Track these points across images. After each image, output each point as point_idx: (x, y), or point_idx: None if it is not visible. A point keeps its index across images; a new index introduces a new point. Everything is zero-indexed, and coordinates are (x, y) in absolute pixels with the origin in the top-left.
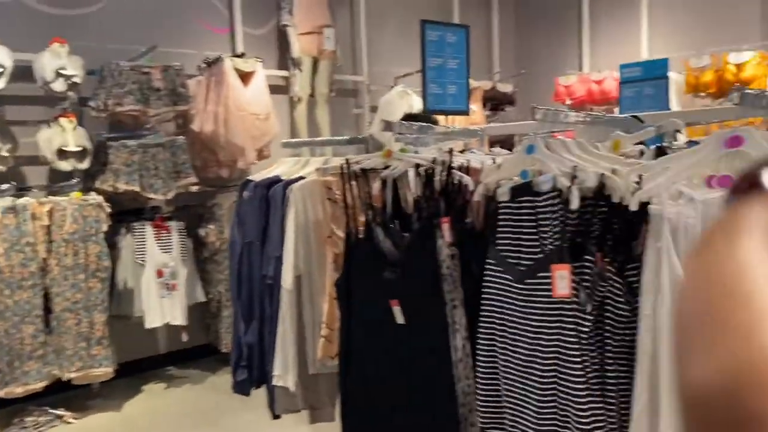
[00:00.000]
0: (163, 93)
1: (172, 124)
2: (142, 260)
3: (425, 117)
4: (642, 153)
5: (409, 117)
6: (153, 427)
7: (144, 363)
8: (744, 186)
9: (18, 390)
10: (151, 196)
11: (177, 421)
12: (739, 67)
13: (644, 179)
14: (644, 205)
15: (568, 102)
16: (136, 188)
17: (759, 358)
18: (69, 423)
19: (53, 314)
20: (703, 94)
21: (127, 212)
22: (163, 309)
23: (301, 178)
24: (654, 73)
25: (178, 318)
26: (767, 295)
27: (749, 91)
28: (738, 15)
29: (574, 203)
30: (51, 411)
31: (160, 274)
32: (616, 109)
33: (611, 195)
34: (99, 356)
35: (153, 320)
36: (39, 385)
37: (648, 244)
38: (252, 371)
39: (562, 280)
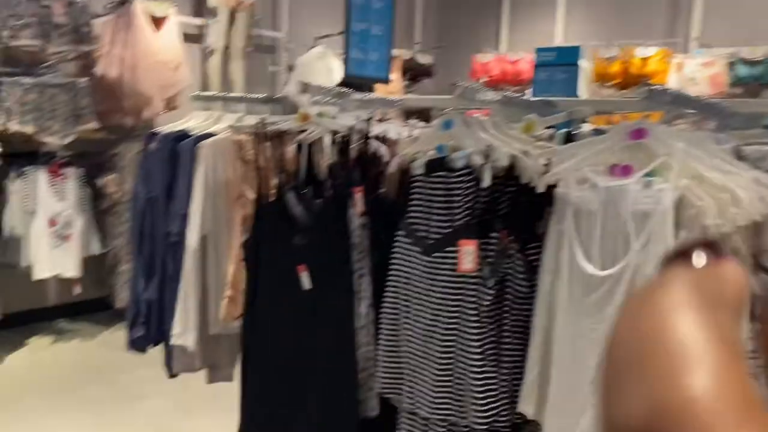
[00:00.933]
0: (65, 30)
1: (73, 65)
2: (33, 208)
3: (362, 84)
4: (551, 137)
5: (345, 84)
6: (37, 381)
7: (31, 315)
8: (675, 257)
9: None
10: (47, 139)
11: (65, 376)
12: (644, 61)
13: (553, 163)
14: (551, 188)
15: (483, 79)
16: (30, 130)
17: (678, 398)
18: None
19: None
20: (608, 83)
21: (18, 155)
22: (54, 260)
23: (212, 134)
24: (567, 59)
25: (71, 270)
26: (683, 341)
27: (656, 86)
28: (647, 12)
29: (486, 181)
30: None
31: (52, 223)
32: (528, 91)
33: (521, 175)
34: None
35: (41, 271)
36: None
37: (551, 225)
38: (149, 328)
39: (467, 255)
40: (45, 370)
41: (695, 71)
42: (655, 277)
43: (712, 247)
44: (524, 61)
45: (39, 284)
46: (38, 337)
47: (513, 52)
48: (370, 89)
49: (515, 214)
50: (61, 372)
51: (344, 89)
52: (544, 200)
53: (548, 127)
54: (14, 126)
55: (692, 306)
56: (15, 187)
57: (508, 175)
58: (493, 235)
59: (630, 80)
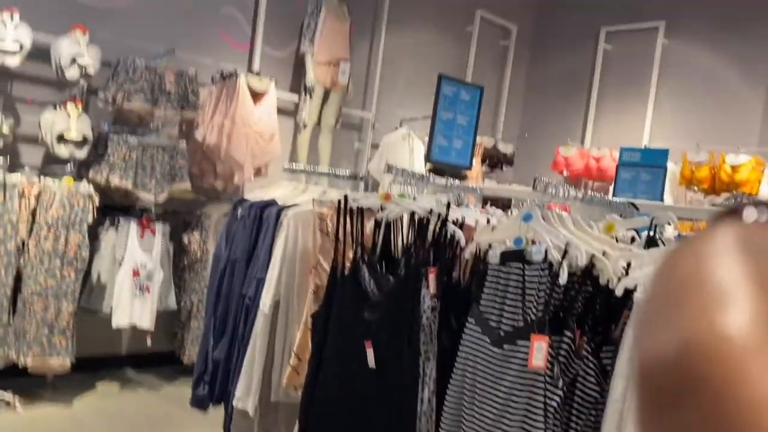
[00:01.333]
0: (173, 96)
1: (176, 128)
2: (121, 257)
3: (454, 172)
4: (633, 239)
5: (436, 169)
6: (100, 427)
7: (102, 361)
8: (724, 216)
9: None
10: (142, 195)
11: (125, 426)
12: (735, 168)
13: (632, 266)
14: (630, 292)
15: (565, 173)
16: (129, 185)
17: (707, 331)
18: (15, 409)
19: (21, 296)
20: (696, 188)
21: (114, 207)
22: (132, 309)
23: (297, 205)
24: (653, 161)
25: (146, 321)
26: (721, 282)
27: (744, 197)
28: (741, 117)
29: (563, 278)
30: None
31: (136, 273)
32: (611, 188)
33: (599, 276)
34: (59, 346)
35: (120, 319)
36: None
37: (627, 330)
38: (214, 388)
39: (539, 351)
40: (108, 418)
41: None
42: (704, 227)
43: (765, 206)
44: (608, 157)
45: (113, 332)
46: (106, 384)
47: (597, 147)
48: (462, 177)
49: (591, 314)
50: (123, 421)
51: (429, 174)
52: (621, 303)
53: (630, 230)
54: (115, 180)
55: (735, 252)
56: (107, 236)
57: (587, 275)
58: (567, 333)
59: (719, 186)
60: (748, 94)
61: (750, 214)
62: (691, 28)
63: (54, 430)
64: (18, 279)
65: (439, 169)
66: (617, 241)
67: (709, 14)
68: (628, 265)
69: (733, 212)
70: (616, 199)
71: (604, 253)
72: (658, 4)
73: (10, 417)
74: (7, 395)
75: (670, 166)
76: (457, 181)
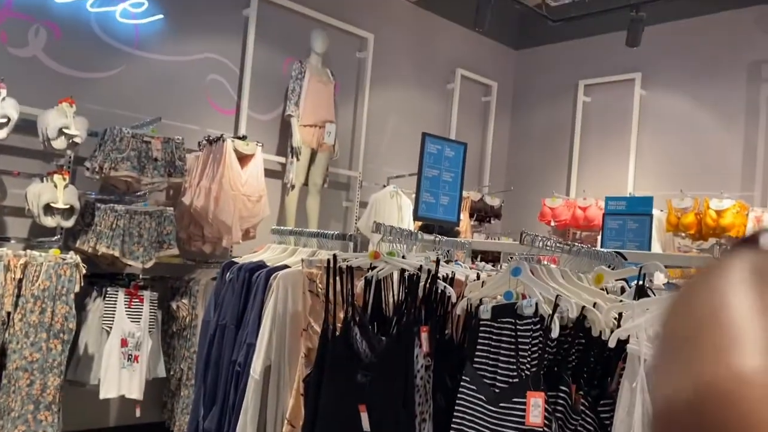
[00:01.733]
0: (160, 163)
1: (163, 194)
2: (109, 327)
3: (446, 227)
4: (623, 289)
5: (429, 227)
6: None
7: None
8: (741, 243)
9: None
10: (130, 262)
11: None
12: (719, 213)
13: (624, 317)
14: (622, 343)
15: (553, 223)
16: (116, 253)
17: (724, 375)
18: None
19: (6, 371)
20: (683, 234)
21: (101, 275)
22: (120, 380)
23: (286, 266)
24: (638, 209)
25: (135, 392)
26: (737, 323)
27: (729, 243)
28: (721, 162)
29: (555, 331)
30: None
31: (124, 343)
32: (599, 237)
33: (591, 328)
34: (45, 422)
35: (109, 390)
36: None
37: (623, 383)
38: None
39: (536, 408)
40: None
41: None
42: (719, 257)
43: None
44: (594, 206)
45: (101, 404)
46: None
47: (583, 198)
48: (455, 234)
49: (586, 367)
50: None
51: (413, 231)
52: (615, 355)
53: (620, 279)
54: (102, 248)
55: (752, 286)
56: (94, 306)
57: (579, 327)
58: (562, 388)
59: (706, 231)
60: (727, 138)
61: (767, 240)
62: (666, 78)
63: None
64: (2, 354)
65: (429, 225)
66: (607, 291)
67: (684, 64)
68: (620, 315)
69: (750, 240)
70: (604, 250)
71: (594, 305)
72: (634, 57)
73: None
74: None
75: (656, 213)
76: (444, 238)
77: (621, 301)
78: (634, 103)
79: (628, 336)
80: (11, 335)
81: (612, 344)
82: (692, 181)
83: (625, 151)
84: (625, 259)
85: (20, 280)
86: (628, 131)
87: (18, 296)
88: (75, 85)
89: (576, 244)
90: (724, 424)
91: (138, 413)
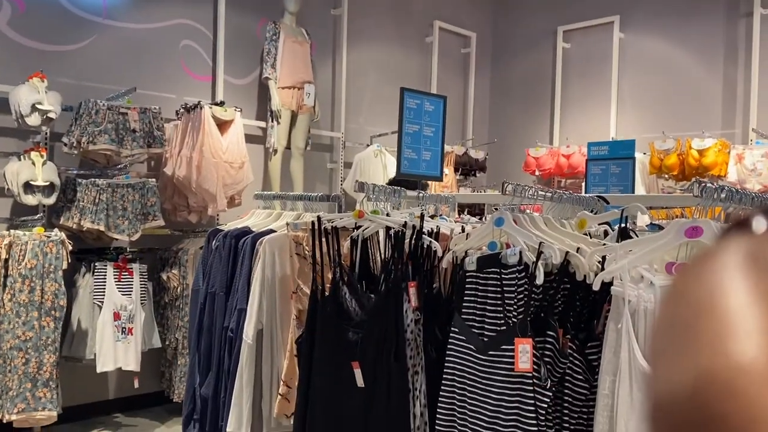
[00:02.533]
0: (138, 134)
1: (144, 165)
2: (100, 301)
3: (414, 181)
4: (606, 233)
5: (399, 181)
6: None
7: (91, 408)
8: (733, 227)
9: None
10: (116, 236)
11: None
12: (701, 152)
13: (608, 260)
14: (606, 286)
15: (537, 173)
16: (101, 227)
17: (722, 365)
18: None
19: (0, 351)
20: (666, 175)
21: (89, 251)
22: (116, 353)
23: (272, 231)
24: (620, 153)
25: (132, 364)
26: (734, 312)
27: (709, 184)
28: (702, 102)
29: (539, 278)
30: None
31: (117, 316)
32: (584, 183)
33: (575, 272)
34: (44, 399)
35: (105, 364)
36: None
37: (608, 324)
38: (204, 425)
39: (524, 354)
40: None
41: (757, 162)
42: (712, 244)
43: None
44: (578, 153)
45: (99, 377)
46: (96, 431)
47: (566, 145)
48: (424, 186)
49: (572, 312)
50: None
51: (397, 187)
52: (600, 298)
53: (603, 223)
54: (87, 224)
55: (747, 273)
56: (84, 281)
57: (563, 273)
58: (550, 333)
59: (688, 171)
60: (706, 78)
61: (760, 224)
62: (644, 19)
63: None
64: None
65: (399, 181)
66: (590, 236)
67: (662, 5)
68: (603, 258)
69: (742, 223)
70: (586, 195)
71: (578, 250)
72: (611, 0)
73: None
74: None
75: (639, 156)
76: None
77: (604, 244)
78: (614, 47)
79: (612, 278)
80: (2, 315)
81: (596, 287)
82: (674, 122)
83: (606, 96)
84: (608, 203)
85: (6, 261)
86: (608, 76)
87: (5, 276)
88: (44, 59)
89: (558, 191)
90: (724, 414)
91: (136, 384)
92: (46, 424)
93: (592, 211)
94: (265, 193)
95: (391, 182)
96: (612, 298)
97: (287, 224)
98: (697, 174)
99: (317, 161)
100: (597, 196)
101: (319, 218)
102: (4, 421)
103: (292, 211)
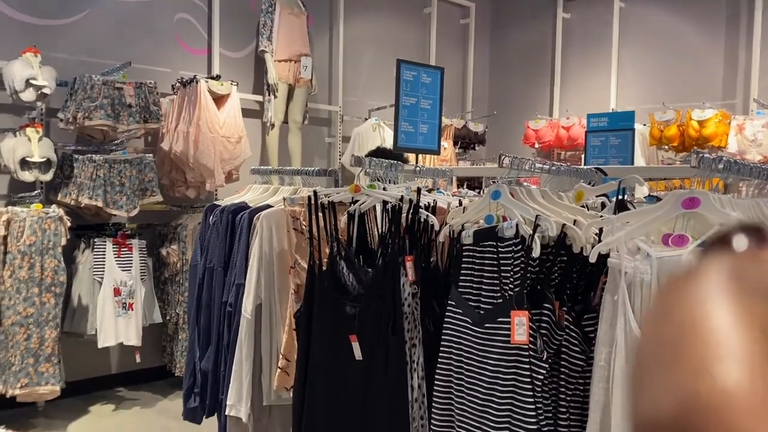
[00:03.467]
0: (134, 110)
1: (141, 141)
2: (100, 277)
3: (395, 153)
4: (603, 205)
5: (379, 152)
6: None
7: (93, 383)
8: (714, 244)
9: None
10: (114, 212)
11: None
12: (701, 123)
13: (604, 232)
14: (603, 258)
15: (537, 146)
16: (99, 203)
17: (707, 389)
18: None
19: (2, 328)
20: (666, 147)
21: (88, 227)
22: (117, 328)
23: (269, 206)
24: (620, 124)
25: (133, 339)
26: (718, 333)
27: (707, 155)
28: (702, 72)
29: (536, 251)
30: None
31: (117, 292)
32: (583, 155)
33: (572, 245)
34: (46, 374)
35: (106, 339)
36: None
37: (605, 296)
38: (205, 399)
39: (520, 326)
40: None
41: (757, 132)
42: (693, 262)
43: (756, 232)
44: (578, 125)
45: (101, 352)
46: (100, 405)
47: (566, 117)
48: (404, 160)
49: (568, 284)
50: None
51: (394, 161)
52: (597, 270)
53: (600, 195)
54: (85, 200)
55: (729, 293)
56: (84, 257)
57: (560, 245)
58: (546, 305)
59: (688, 143)
60: (707, 48)
61: (740, 243)
62: None
63: None
64: None
65: (381, 155)
66: (588, 208)
67: None
68: (600, 231)
69: (723, 241)
70: (584, 167)
71: (575, 222)
72: None
73: None
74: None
75: (639, 127)
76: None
77: (601, 216)
78: (614, 17)
79: (609, 250)
80: (3, 292)
81: (593, 259)
82: (674, 93)
83: (606, 67)
84: (605, 174)
85: (5, 237)
86: (608, 46)
87: (5, 253)
88: (37, 34)
89: (556, 163)
90: None
91: (138, 359)
92: (50, 399)
93: (589, 183)
94: (263, 168)
95: (371, 154)
96: (608, 270)
97: (284, 199)
98: (697, 145)
99: (315, 135)
100: (595, 168)
101: (315, 193)
102: (8, 396)
103: (289, 186)
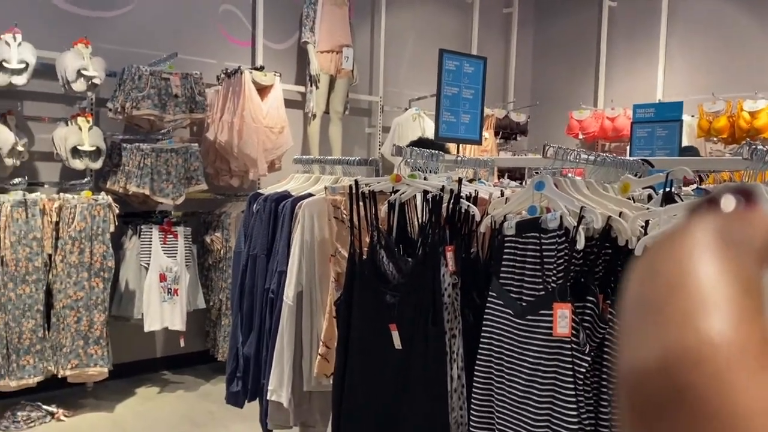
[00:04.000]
0: (180, 100)
1: (187, 130)
2: (147, 263)
3: (436, 143)
4: (650, 197)
5: (420, 142)
6: (142, 430)
7: (139, 366)
8: (702, 205)
9: (12, 384)
10: (161, 200)
11: (167, 427)
12: (753, 114)
13: (651, 225)
14: None
15: (581, 136)
16: (147, 191)
17: (692, 338)
18: (60, 420)
19: (54, 310)
20: (715, 139)
21: (135, 214)
22: (163, 313)
23: (310, 195)
24: (667, 115)
25: (177, 323)
26: (703, 286)
27: (760, 146)
28: (755, 62)
29: (580, 243)
30: (43, 407)
31: (162, 278)
32: (628, 147)
33: (617, 237)
34: (95, 355)
35: (152, 324)
36: (34, 380)
37: None
38: (247, 383)
39: (563, 319)
40: (151, 421)
41: None
42: (681, 221)
43: (744, 192)
44: (623, 116)
45: (147, 336)
46: (145, 388)
47: (611, 108)
48: (446, 150)
49: (612, 277)
50: (164, 422)
51: (435, 151)
52: None
53: (647, 187)
54: (132, 188)
55: (716, 250)
56: (131, 244)
57: (605, 237)
58: (590, 298)
59: (738, 134)
60: (760, 36)
61: (728, 203)
62: None
63: None
64: (49, 294)
65: (423, 144)
66: (634, 200)
67: None
68: (646, 223)
69: (711, 201)
70: (630, 159)
71: (620, 214)
72: None
73: (56, 426)
74: (51, 407)
75: (687, 119)
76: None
77: (647, 209)
78: (663, 4)
79: None
80: (54, 276)
81: (638, 252)
82: (724, 83)
83: (653, 57)
84: (652, 166)
85: (57, 223)
86: (656, 35)
87: (56, 239)
88: (88, 25)
89: (601, 154)
90: (693, 385)
91: (182, 343)
92: (98, 380)
93: (636, 175)
94: (304, 157)
95: (412, 144)
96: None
97: (325, 188)
98: (747, 137)
99: (356, 125)
100: (641, 160)
101: (356, 182)
102: (59, 376)
103: (330, 176)
